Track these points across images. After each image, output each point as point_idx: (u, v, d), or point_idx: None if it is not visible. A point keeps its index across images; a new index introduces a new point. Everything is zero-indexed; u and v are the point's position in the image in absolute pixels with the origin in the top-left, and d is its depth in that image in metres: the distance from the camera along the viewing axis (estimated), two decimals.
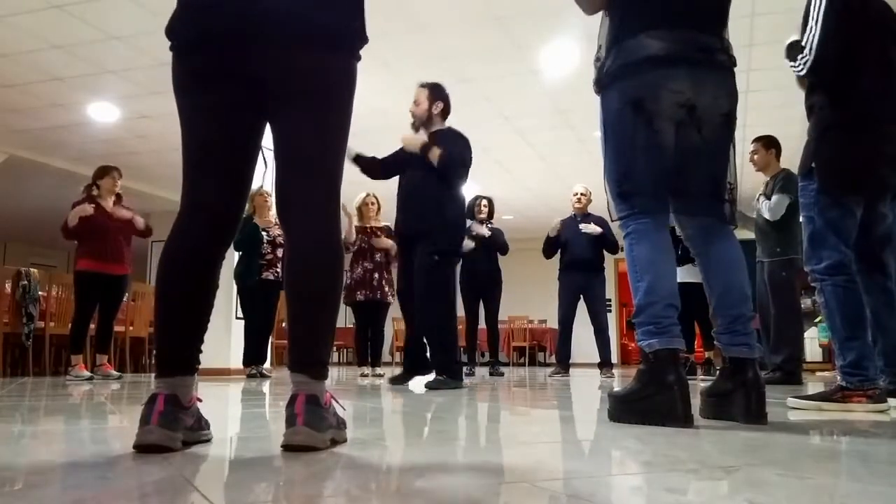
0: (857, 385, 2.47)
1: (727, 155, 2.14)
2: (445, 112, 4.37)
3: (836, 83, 2.54)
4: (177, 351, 1.50)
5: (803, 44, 2.53)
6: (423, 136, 4.29)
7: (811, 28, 2.51)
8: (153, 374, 1.56)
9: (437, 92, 4.35)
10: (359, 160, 4.50)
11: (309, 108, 1.51)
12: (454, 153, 4.20)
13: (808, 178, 2.59)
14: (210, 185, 1.54)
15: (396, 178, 4.56)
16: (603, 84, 2.12)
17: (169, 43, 1.54)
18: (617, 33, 2.08)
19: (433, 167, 4.14)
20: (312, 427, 1.39)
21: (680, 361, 1.97)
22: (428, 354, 4.55)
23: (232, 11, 1.47)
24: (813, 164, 2.57)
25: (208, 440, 1.57)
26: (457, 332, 4.52)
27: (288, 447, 1.39)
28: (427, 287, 4.19)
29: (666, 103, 2.00)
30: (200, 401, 1.58)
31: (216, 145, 1.53)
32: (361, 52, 1.60)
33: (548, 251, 6.27)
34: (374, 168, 4.58)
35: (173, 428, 1.40)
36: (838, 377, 2.55)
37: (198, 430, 1.54)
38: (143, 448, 1.37)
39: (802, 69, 2.52)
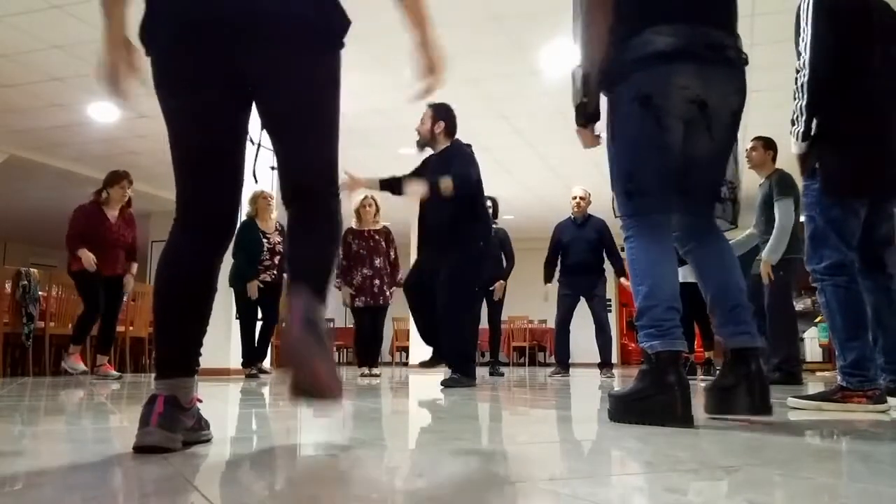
0: (857, 386, 2.46)
1: (730, 154, 2.14)
2: (448, 131, 4.48)
3: (840, 84, 2.52)
4: (176, 353, 1.50)
5: (799, 49, 2.50)
6: (423, 186, 4.32)
7: (803, 30, 2.48)
8: (153, 375, 1.55)
9: (439, 112, 4.47)
10: (383, 185, 4.57)
11: (302, 107, 1.50)
12: (460, 173, 4.29)
13: (812, 178, 2.58)
14: (202, 187, 1.53)
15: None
16: (610, 82, 2.09)
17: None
18: (624, 31, 2.04)
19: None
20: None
21: (681, 362, 1.97)
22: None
23: (217, 8, 1.45)
24: (816, 165, 2.55)
25: (208, 440, 1.57)
26: (476, 336, 4.67)
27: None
28: (451, 296, 4.30)
29: (675, 99, 1.98)
30: (200, 401, 1.58)
31: (204, 148, 1.52)
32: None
33: (548, 273, 6.31)
34: (398, 187, 4.64)
35: (173, 429, 1.40)
36: (839, 377, 2.55)
37: (198, 431, 1.54)
38: (143, 449, 1.37)
39: (804, 74, 2.46)
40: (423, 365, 4.58)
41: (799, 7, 2.53)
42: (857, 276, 2.55)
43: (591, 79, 2.10)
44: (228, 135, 1.54)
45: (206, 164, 1.53)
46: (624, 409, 1.99)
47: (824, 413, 2.45)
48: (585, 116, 2.17)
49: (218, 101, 1.50)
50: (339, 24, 1.55)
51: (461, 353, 4.38)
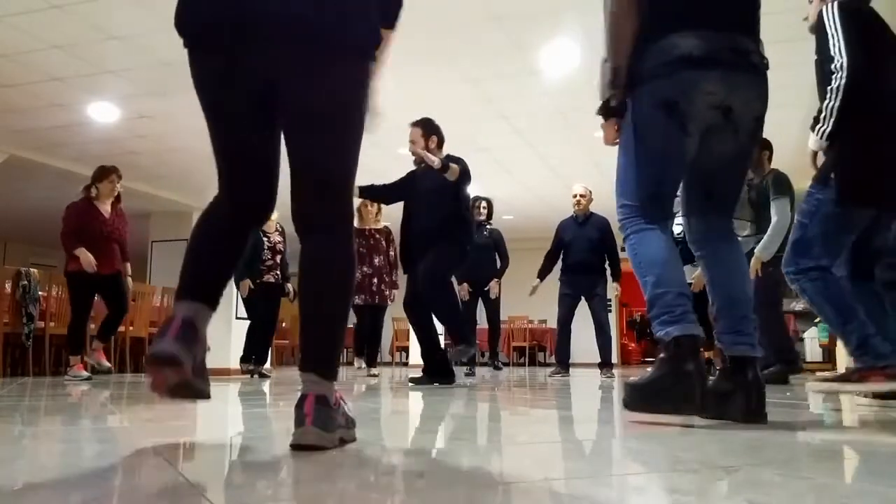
0: (870, 363, 2.47)
1: (752, 159, 2.14)
2: (440, 143, 4.69)
3: (865, 93, 2.47)
4: (200, 279, 1.53)
5: (832, 53, 2.46)
6: (436, 159, 4.52)
7: (833, 35, 2.46)
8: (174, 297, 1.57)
9: (429, 128, 4.67)
10: (363, 192, 4.87)
11: (325, 120, 1.50)
12: (465, 168, 4.60)
13: (820, 186, 2.57)
14: (234, 181, 1.59)
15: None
16: (631, 84, 2.05)
17: (172, 43, 1.54)
18: (646, 34, 2.02)
19: (439, 187, 4.48)
20: (321, 427, 1.39)
21: (700, 350, 1.95)
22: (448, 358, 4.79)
23: (248, 12, 1.45)
24: (832, 174, 2.54)
25: (208, 390, 1.53)
26: (474, 335, 5.07)
27: (297, 447, 1.39)
28: (433, 283, 4.49)
29: (700, 105, 1.96)
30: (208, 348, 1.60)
31: (235, 147, 1.56)
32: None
33: (545, 267, 6.30)
34: (378, 195, 4.99)
35: (188, 347, 1.41)
36: (853, 362, 2.57)
37: (202, 373, 1.51)
38: (158, 359, 1.37)
39: (841, 74, 2.43)
40: (413, 381, 4.62)
41: (820, 14, 2.52)
42: (827, 272, 2.57)
43: (620, 73, 2.07)
44: (253, 131, 1.55)
45: (235, 158, 1.57)
46: (640, 398, 1.98)
47: (825, 413, 2.45)
48: (611, 111, 2.15)
49: (240, 99, 1.51)
50: (374, 38, 1.55)
51: (455, 321, 4.62)
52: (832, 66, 2.47)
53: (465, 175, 4.55)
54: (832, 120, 2.48)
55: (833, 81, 2.47)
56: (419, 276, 4.51)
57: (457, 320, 4.64)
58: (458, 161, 4.59)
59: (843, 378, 2.56)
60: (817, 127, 2.54)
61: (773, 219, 4.58)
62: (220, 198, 1.60)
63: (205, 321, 1.50)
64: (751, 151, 2.14)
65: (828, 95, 2.49)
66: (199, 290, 1.51)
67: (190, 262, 1.55)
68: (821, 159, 2.65)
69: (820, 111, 2.53)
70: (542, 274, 6.29)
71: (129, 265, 5.69)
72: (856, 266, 2.66)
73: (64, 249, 5.38)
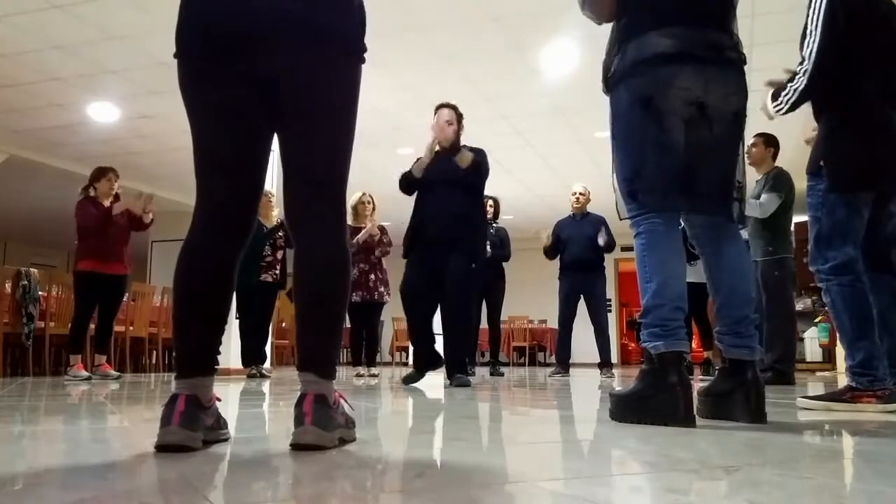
0: (866, 385, 2.44)
1: (737, 153, 2.14)
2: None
3: (843, 82, 2.51)
4: (196, 352, 1.50)
5: (803, 54, 2.50)
6: (469, 155, 4.49)
7: (811, 32, 2.48)
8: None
9: (461, 115, 4.65)
10: (405, 178, 4.71)
11: (319, 119, 1.51)
12: (480, 160, 4.54)
13: (816, 178, 2.57)
14: (222, 187, 1.54)
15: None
16: (611, 83, 2.10)
17: (171, 43, 1.53)
18: (625, 32, 2.07)
19: (455, 182, 4.44)
20: (320, 427, 1.39)
21: (684, 362, 1.97)
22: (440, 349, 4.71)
23: (243, 12, 1.46)
24: (821, 163, 2.55)
25: (226, 439, 1.58)
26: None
27: (296, 446, 1.39)
28: (465, 293, 4.48)
29: (675, 101, 1.99)
30: (220, 400, 1.59)
31: (226, 148, 1.53)
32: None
33: (549, 253, 6.28)
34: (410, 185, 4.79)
35: (194, 428, 1.40)
36: (847, 377, 2.54)
37: (217, 430, 1.54)
38: (165, 448, 1.37)
39: (803, 80, 2.48)
40: (406, 380, 4.60)
41: (808, 7, 2.53)
42: (861, 275, 2.53)
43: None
44: (249, 137, 1.54)
45: (227, 164, 1.53)
46: (625, 409, 1.99)
47: (829, 413, 2.44)
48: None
49: (240, 102, 1.50)
50: (362, 38, 1.56)
51: (467, 355, 4.59)
52: (797, 68, 2.53)
53: (478, 167, 4.49)
54: (787, 108, 2.58)
55: (794, 81, 2.53)
56: (450, 284, 4.42)
57: (467, 340, 4.65)
58: (479, 151, 4.56)
59: (834, 397, 2.53)
60: (775, 104, 2.61)
61: (759, 205, 4.58)
62: (196, 221, 1.54)
63: (207, 389, 1.49)
64: (733, 145, 2.13)
65: (787, 90, 2.56)
66: (194, 362, 1.49)
67: (178, 337, 1.52)
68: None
69: (784, 88, 2.59)
70: (550, 253, 6.26)
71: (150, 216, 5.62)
72: (869, 255, 2.63)
73: (79, 238, 5.35)
